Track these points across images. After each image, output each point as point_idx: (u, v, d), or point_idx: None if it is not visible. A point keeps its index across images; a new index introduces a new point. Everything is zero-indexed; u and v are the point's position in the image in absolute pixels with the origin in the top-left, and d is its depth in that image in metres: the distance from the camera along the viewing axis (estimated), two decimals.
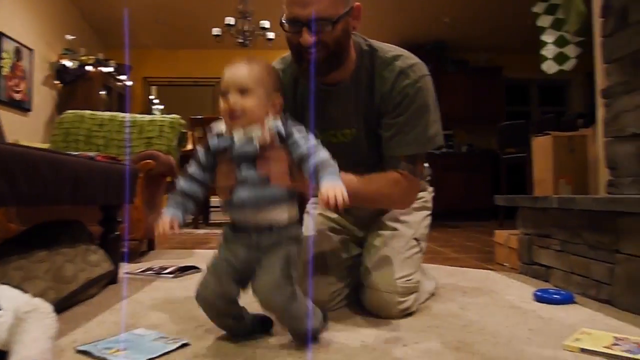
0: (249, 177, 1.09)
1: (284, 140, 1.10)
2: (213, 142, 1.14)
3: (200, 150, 1.16)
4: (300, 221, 1.26)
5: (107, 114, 3.20)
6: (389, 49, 1.38)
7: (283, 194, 1.11)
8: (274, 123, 1.11)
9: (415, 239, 1.53)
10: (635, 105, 1.86)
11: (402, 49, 1.39)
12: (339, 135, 1.42)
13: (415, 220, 1.57)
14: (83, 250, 1.64)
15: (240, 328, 1.18)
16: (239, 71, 1.10)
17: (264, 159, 1.09)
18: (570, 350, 1.10)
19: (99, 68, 5.72)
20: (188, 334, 1.22)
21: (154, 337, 1.17)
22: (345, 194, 0.97)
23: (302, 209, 1.51)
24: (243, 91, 1.08)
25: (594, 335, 1.18)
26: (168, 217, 1.09)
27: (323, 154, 1.07)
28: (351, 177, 1.21)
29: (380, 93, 1.34)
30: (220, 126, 1.14)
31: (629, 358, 1.04)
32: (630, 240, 1.50)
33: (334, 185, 0.99)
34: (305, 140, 1.09)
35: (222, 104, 1.10)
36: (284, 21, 1.24)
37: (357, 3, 1.27)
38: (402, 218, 1.54)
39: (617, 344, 1.11)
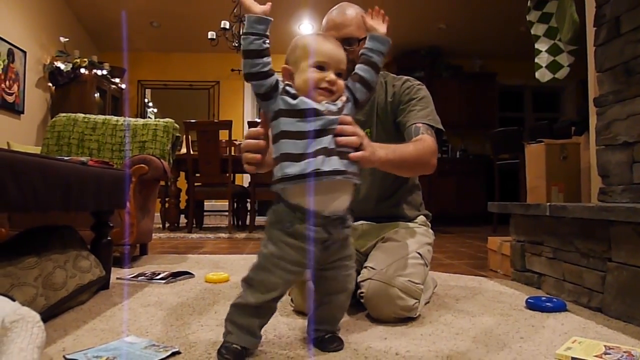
0: (335, 147, 1.04)
1: (354, 96, 1.15)
2: (290, 88, 1.09)
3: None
4: None
5: (101, 117, 3.18)
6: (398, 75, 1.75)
7: (357, 171, 1.08)
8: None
9: (419, 253, 1.56)
10: (627, 114, 1.87)
11: None
12: None
13: (418, 240, 1.62)
14: (74, 256, 1.63)
15: (250, 349, 1.11)
16: (341, 53, 1.14)
17: (341, 130, 1.06)
18: None
19: (93, 71, 5.70)
20: (179, 341, 1.21)
21: (145, 345, 1.16)
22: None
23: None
24: (339, 72, 1.12)
25: (585, 343, 1.19)
26: None
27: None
28: (388, 144, 1.31)
29: (392, 92, 1.67)
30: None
31: None
32: (621, 249, 1.51)
33: None
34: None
35: (314, 74, 1.09)
36: None
37: None
38: (405, 239, 1.60)
39: (608, 353, 1.11)
